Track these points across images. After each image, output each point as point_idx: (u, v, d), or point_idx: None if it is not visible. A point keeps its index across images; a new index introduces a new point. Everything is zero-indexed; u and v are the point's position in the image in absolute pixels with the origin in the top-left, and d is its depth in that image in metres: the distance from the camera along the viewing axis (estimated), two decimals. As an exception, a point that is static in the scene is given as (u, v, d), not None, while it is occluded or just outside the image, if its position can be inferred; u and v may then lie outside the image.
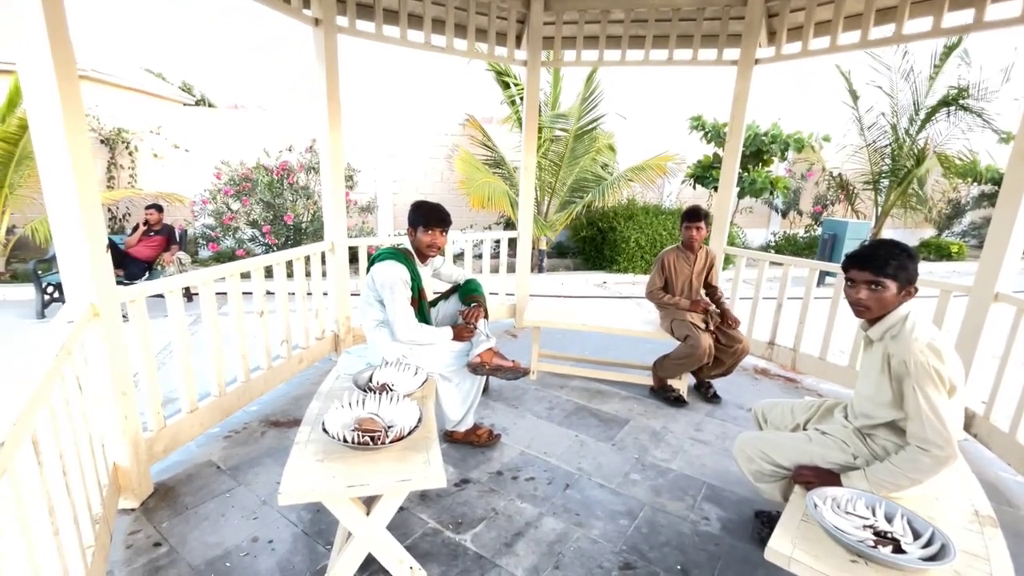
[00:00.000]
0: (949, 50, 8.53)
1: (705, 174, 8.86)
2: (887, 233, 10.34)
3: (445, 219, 2.17)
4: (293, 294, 3.01)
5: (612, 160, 7.99)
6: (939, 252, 10.34)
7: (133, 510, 1.91)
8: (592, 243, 7.87)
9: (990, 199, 10.65)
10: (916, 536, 1.26)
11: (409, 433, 1.59)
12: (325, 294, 3.30)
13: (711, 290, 3.07)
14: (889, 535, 1.25)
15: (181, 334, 2.19)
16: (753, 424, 1.98)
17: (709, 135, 8.67)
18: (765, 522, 1.89)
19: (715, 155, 8.90)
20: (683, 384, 2.98)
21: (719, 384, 3.12)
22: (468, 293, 2.42)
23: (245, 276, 2.55)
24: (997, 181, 10.09)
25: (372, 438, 1.55)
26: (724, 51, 3.50)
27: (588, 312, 3.31)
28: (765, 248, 9.64)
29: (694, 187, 9.18)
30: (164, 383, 2.52)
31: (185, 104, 11.14)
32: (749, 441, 1.71)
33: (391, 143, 8.02)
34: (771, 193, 8.96)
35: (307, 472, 1.45)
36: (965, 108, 8.78)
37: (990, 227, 2.44)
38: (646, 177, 7.29)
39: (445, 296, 2.52)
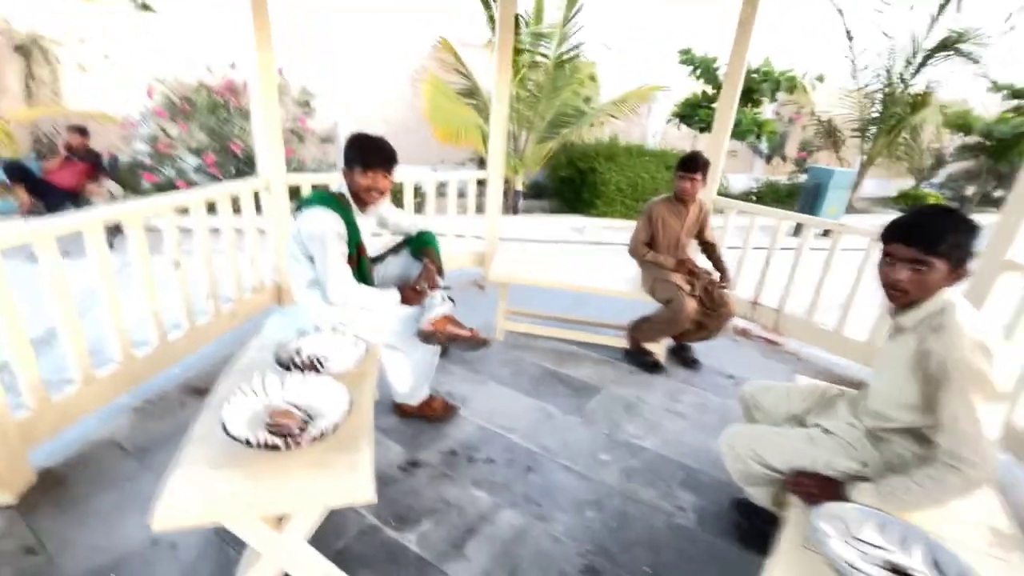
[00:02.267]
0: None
1: (692, 113, 8.37)
2: (868, 183, 10.18)
3: (389, 157, 1.75)
4: (217, 231, 2.58)
5: (595, 92, 7.38)
6: (916, 203, 10.26)
7: (9, 507, 1.59)
8: (571, 184, 7.43)
9: (972, 151, 10.50)
10: (940, 572, 1.05)
11: (334, 429, 1.29)
12: (263, 232, 2.87)
13: (709, 248, 2.77)
14: (909, 574, 1.04)
15: (58, 283, 1.78)
16: (741, 411, 1.75)
17: (699, 70, 8.10)
18: (744, 514, 1.70)
19: (703, 93, 8.37)
20: (660, 348, 2.75)
21: (698, 346, 2.90)
22: (421, 246, 2.05)
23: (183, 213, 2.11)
24: (985, 133, 9.90)
25: (285, 438, 1.24)
26: (732, -37, 2.99)
27: (562, 266, 3.00)
28: (746, 195, 9.37)
29: (679, 127, 8.70)
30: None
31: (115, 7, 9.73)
32: (739, 437, 1.47)
33: (356, 66, 7.20)
34: (757, 136, 8.56)
35: (194, 485, 1.14)
36: (963, 54, 8.36)
37: (1015, 186, 2.17)
38: (628, 108, 6.77)
39: (395, 250, 2.14)
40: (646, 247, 2.70)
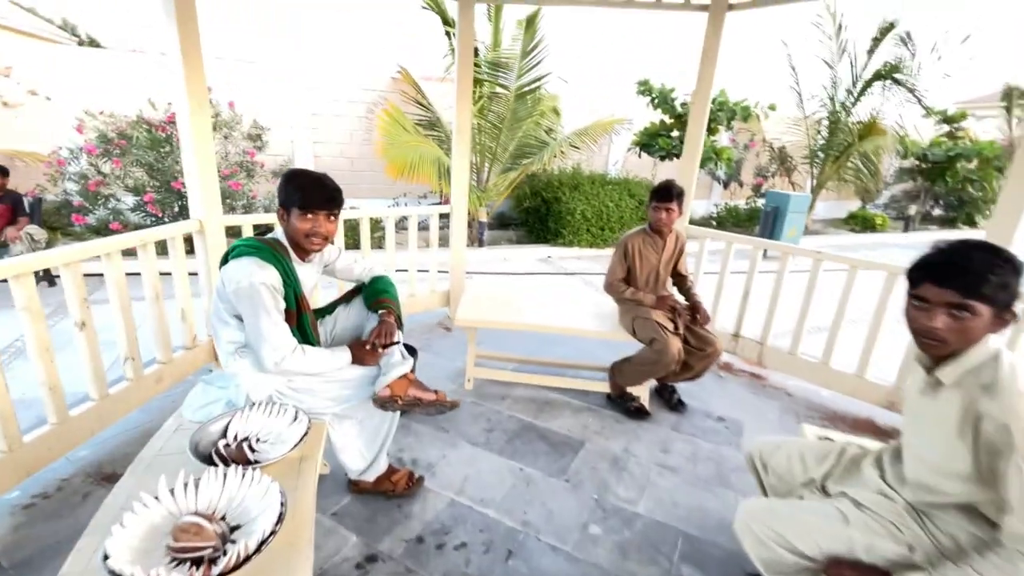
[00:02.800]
0: (886, 29, 8.53)
1: (651, 142, 8.47)
2: (819, 205, 10.56)
3: (332, 197, 1.50)
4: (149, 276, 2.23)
5: (557, 124, 7.38)
6: (865, 224, 10.71)
7: None
8: (536, 214, 7.32)
9: (910, 173, 11.11)
10: None
11: (259, 547, 0.99)
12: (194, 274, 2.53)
13: (680, 280, 2.62)
14: None
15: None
16: (749, 471, 1.53)
17: (656, 100, 8.24)
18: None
19: (661, 122, 8.52)
20: (645, 390, 2.54)
21: (682, 385, 2.71)
22: (375, 295, 1.78)
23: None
24: (921, 157, 10.50)
25: (193, 567, 0.94)
26: (693, -6, 2.96)
27: (534, 305, 2.77)
28: (707, 220, 9.52)
29: (639, 155, 8.80)
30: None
31: (59, 43, 9.22)
32: (758, 515, 1.25)
33: (313, 99, 6.97)
34: (715, 163, 8.73)
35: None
36: (897, 82, 8.87)
37: (997, 207, 2.11)
38: (589, 139, 6.76)
39: (346, 299, 1.87)
40: (623, 283, 2.52)
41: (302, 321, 1.58)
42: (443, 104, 6.86)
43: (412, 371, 1.67)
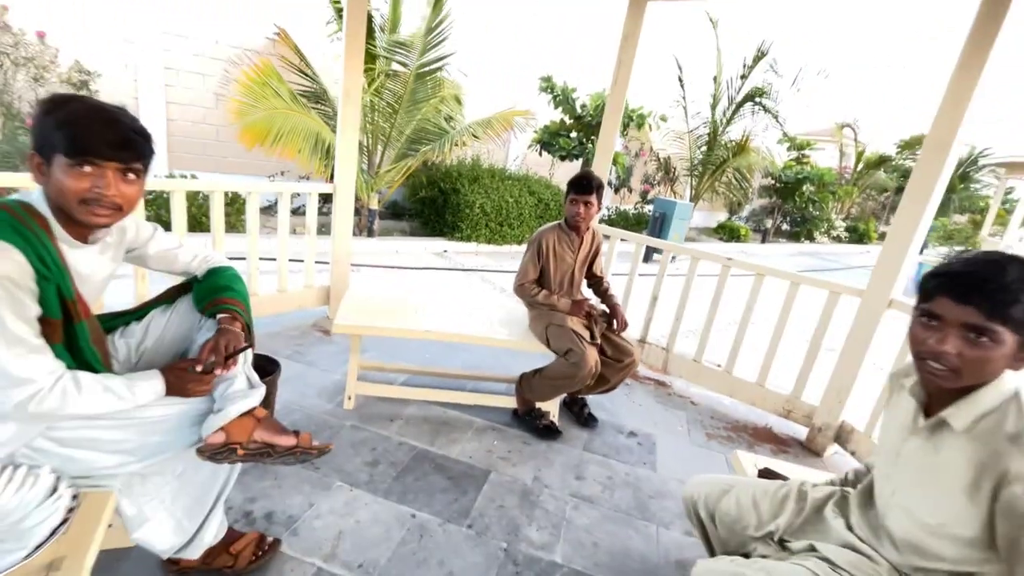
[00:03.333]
0: (759, 56, 9.41)
1: (552, 141, 8.44)
2: (697, 215, 11.47)
3: (129, 141, 0.95)
4: None
5: (458, 112, 6.96)
6: (732, 234, 11.82)
7: None
8: (432, 205, 6.84)
9: (767, 191, 12.54)
10: None
11: None
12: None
13: (596, 281, 2.39)
14: None
15: None
16: (690, 519, 1.30)
17: (558, 99, 8.21)
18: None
19: (562, 122, 8.52)
20: (554, 405, 2.28)
21: (591, 397, 2.50)
22: (212, 295, 1.26)
23: None
24: (776, 177, 11.87)
25: None
26: (613, -25, 2.76)
27: (429, 307, 2.37)
28: (600, 222, 9.78)
29: (540, 153, 8.73)
30: None
31: None
32: None
33: (168, 48, 5.73)
34: (610, 168, 8.99)
35: None
36: (764, 108, 9.86)
37: (891, 227, 2.16)
38: (492, 132, 6.46)
39: (168, 299, 1.31)
40: (536, 285, 2.23)
41: (75, 335, 1.01)
42: (332, 78, 6.08)
43: (263, 405, 1.19)
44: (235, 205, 5.11)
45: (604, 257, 2.49)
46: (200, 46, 5.94)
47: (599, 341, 2.15)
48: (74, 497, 0.92)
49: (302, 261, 3.00)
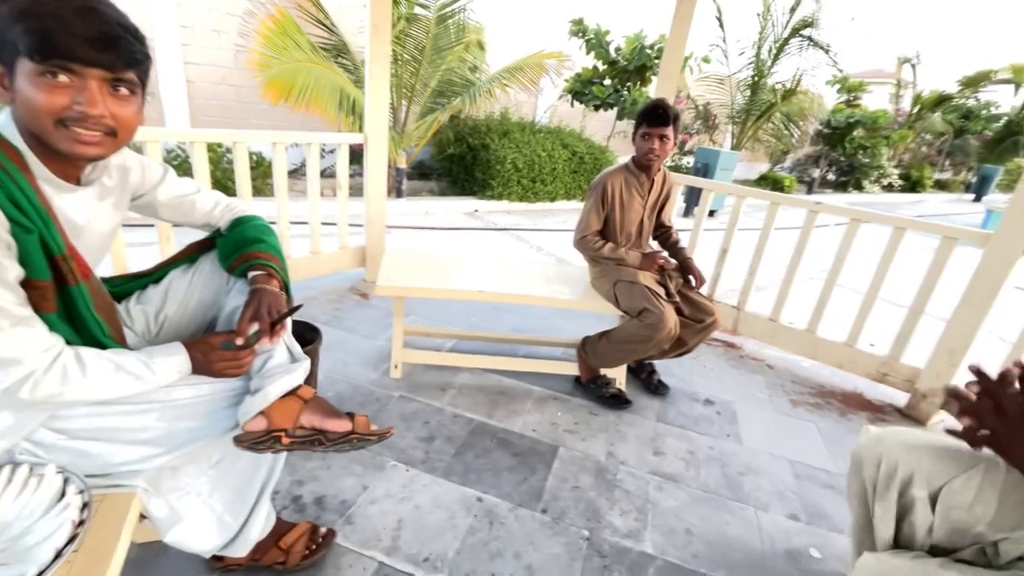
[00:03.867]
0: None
1: (584, 89, 7.93)
2: (739, 166, 10.79)
3: (116, 37, 0.70)
4: None
5: (482, 60, 6.51)
6: (775, 185, 11.12)
7: None
8: (461, 163, 6.51)
9: (813, 138, 11.67)
10: None
11: None
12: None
13: (664, 232, 2.10)
14: None
15: None
16: (858, 493, 1.00)
17: (591, 43, 7.64)
18: None
19: (594, 68, 7.96)
20: (621, 371, 2.04)
21: (658, 362, 2.25)
22: (240, 248, 1.03)
23: None
24: (825, 123, 11.00)
25: None
26: None
27: (475, 267, 2.13)
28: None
29: (572, 104, 8.23)
30: None
31: None
32: None
33: (183, 7, 5.44)
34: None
35: None
36: (814, 42, 8.97)
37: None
38: (524, 79, 6.01)
39: (188, 257, 1.10)
40: (599, 237, 1.95)
41: (72, 299, 0.80)
42: (351, 29, 5.71)
43: (303, 384, 0.98)
44: (260, 168, 4.91)
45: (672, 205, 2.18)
46: (214, 2, 5.62)
47: (676, 298, 1.87)
48: (85, 506, 0.73)
49: (334, 224, 2.78)
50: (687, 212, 7.05)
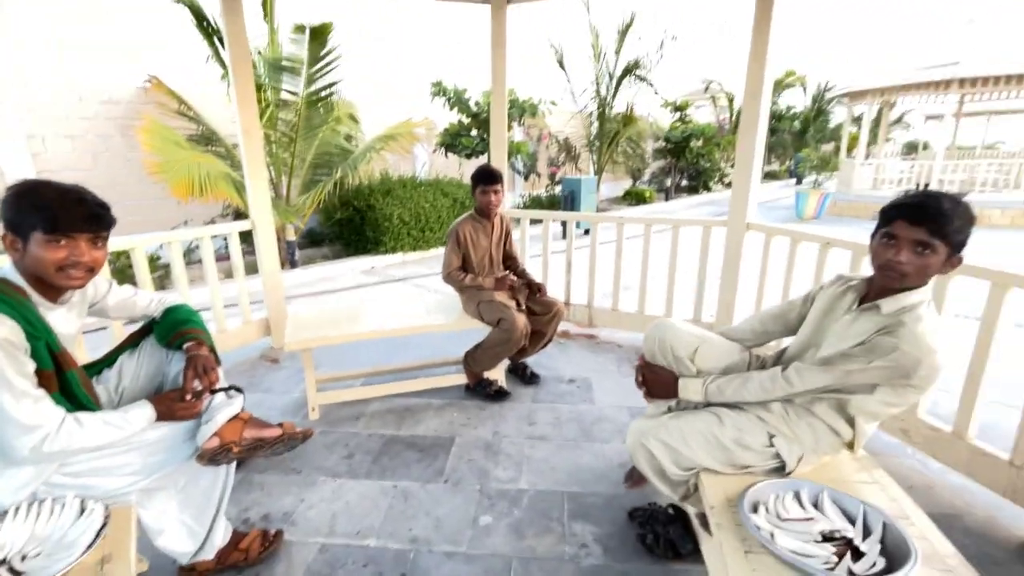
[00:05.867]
0: (626, 29, 10.17)
1: (454, 142, 8.71)
2: (603, 187, 12.21)
3: (97, 215, 1.13)
4: None
5: (356, 130, 7.04)
6: (639, 198, 12.69)
7: None
8: (351, 225, 6.90)
9: (661, 153, 13.56)
10: (852, 522, 1.06)
11: None
12: None
13: (510, 260, 2.71)
14: (837, 536, 1.02)
15: None
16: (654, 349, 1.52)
17: (452, 101, 8.48)
18: (644, 524, 1.60)
19: (460, 122, 8.81)
20: (500, 373, 2.58)
21: (531, 359, 2.84)
22: (174, 328, 1.43)
23: None
24: (665, 139, 12.86)
25: None
26: (473, -12, 3.07)
27: (369, 312, 2.58)
28: (516, 208, 10.21)
29: (446, 155, 8.98)
30: None
31: None
32: (648, 431, 1.36)
33: (29, 117, 5.36)
34: (515, 157, 9.41)
35: None
36: (640, 78, 10.70)
37: (736, 166, 2.65)
38: (398, 146, 6.62)
39: (132, 343, 1.46)
40: (461, 271, 2.51)
41: (68, 382, 1.17)
42: (216, 116, 5.99)
43: (242, 409, 1.39)
44: (156, 262, 4.97)
45: (517, 243, 2.81)
46: (61, 109, 5.61)
47: (524, 307, 2.47)
48: (106, 507, 1.09)
49: (235, 305, 3.08)
50: (565, 235, 7.98)
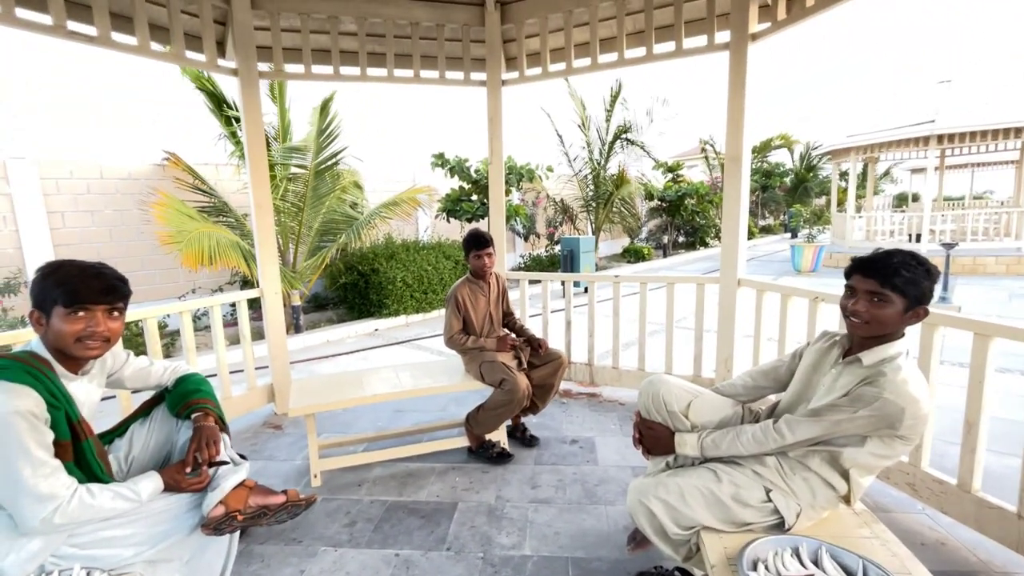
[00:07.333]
0: (614, 97, 10.84)
1: (456, 207, 9.06)
2: (601, 245, 12.50)
3: (113, 287, 1.23)
4: None
5: (361, 198, 7.37)
6: (637, 256, 12.95)
7: None
8: (355, 289, 7.04)
9: (656, 212, 13.98)
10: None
11: None
12: None
13: (508, 318, 2.78)
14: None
15: None
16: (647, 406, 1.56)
17: (452, 170, 8.91)
18: (650, 586, 1.57)
19: (461, 188, 9.20)
20: (502, 434, 2.58)
21: (532, 421, 2.85)
22: (184, 399, 1.48)
23: None
24: (660, 199, 13.32)
25: None
26: (471, 73, 3.35)
27: (372, 377, 2.63)
28: (516, 269, 10.42)
29: (448, 220, 9.30)
30: None
31: None
32: (647, 490, 1.37)
33: (50, 194, 5.69)
34: (514, 220, 9.75)
35: None
36: (631, 141, 11.28)
37: (723, 226, 2.79)
38: (401, 212, 6.90)
39: (143, 412, 1.52)
40: (462, 334, 2.58)
41: (83, 451, 1.22)
42: (227, 189, 6.32)
43: (247, 477, 1.41)
44: (163, 329, 5.05)
45: (515, 302, 2.91)
46: (82, 184, 5.95)
47: (525, 366, 2.52)
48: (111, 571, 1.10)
49: (241, 371, 3.13)
50: (564, 293, 8.10)
